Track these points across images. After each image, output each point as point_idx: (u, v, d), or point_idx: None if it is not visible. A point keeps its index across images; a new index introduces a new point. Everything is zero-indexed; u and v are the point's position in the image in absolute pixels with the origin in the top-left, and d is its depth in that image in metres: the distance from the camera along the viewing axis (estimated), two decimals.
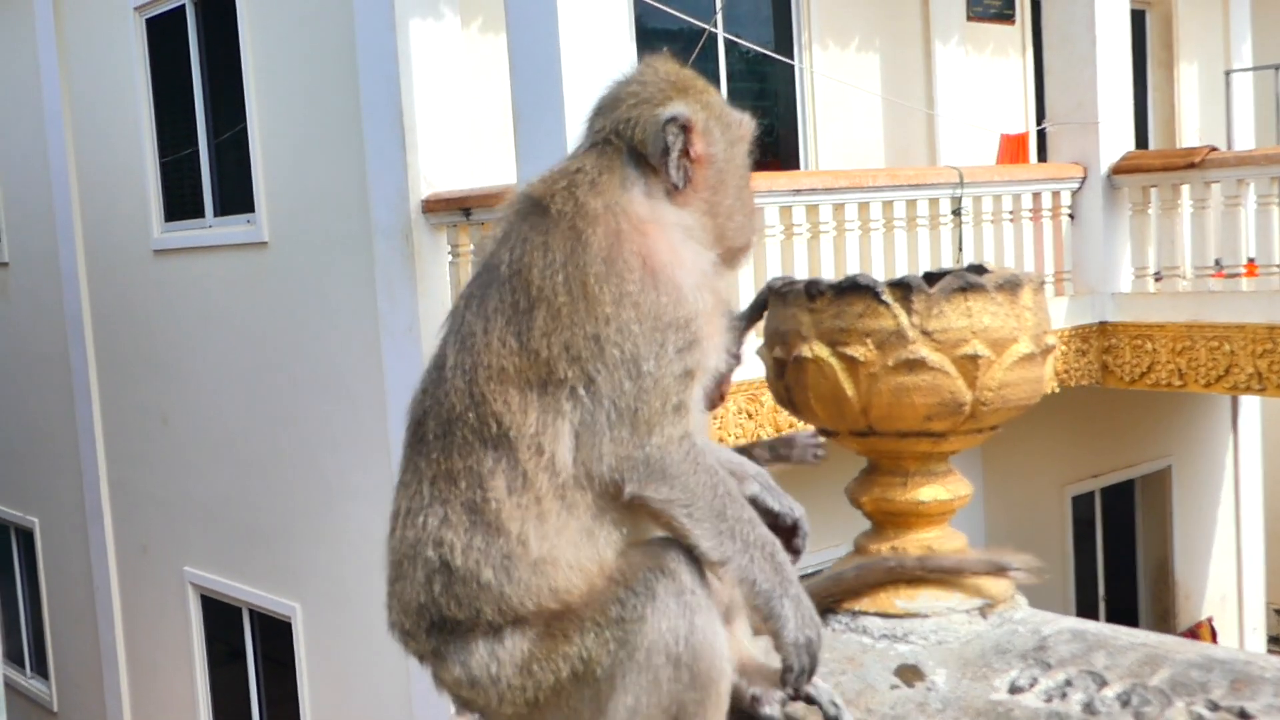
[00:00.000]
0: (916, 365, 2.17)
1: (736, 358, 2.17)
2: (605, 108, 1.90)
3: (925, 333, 2.17)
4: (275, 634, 9.36)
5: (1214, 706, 1.98)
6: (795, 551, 2.07)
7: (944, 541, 2.36)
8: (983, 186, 8.33)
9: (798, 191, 7.26)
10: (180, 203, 9.85)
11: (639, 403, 1.69)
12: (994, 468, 9.93)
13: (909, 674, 2.19)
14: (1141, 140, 11.79)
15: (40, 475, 12.30)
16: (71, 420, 11.35)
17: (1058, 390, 8.52)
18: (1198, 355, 8.28)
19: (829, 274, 7.27)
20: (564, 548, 1.72)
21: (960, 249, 8.18)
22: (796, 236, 7.26)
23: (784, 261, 7.17)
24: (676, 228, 1.81)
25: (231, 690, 10.00)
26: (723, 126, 1.91)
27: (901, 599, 2.30)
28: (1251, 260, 8.36)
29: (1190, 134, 12.47)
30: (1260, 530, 12.44)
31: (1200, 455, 11.93)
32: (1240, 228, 8.22)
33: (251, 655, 9.72)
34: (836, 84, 9.75)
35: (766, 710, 1.97)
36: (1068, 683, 2.11)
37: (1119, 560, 11.60)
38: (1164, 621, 11.53)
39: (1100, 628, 2.27)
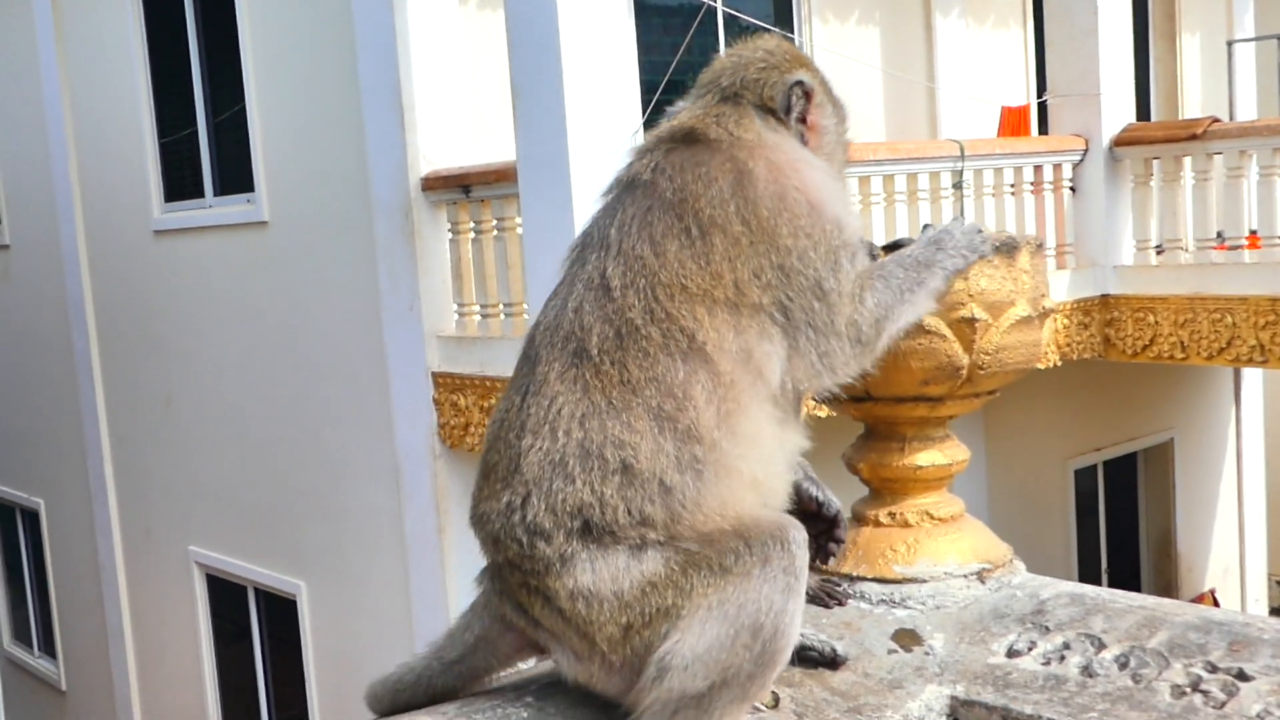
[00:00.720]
0: (913, 329, 2.16)
1: None
2: (729, 70, 2.06)
3: None
4: (280, 612, 9.39)
5: (1212, 668, 1.98)
6: (838, 541, 2.16)
7: (942, 507, 2.36)
8: (984, 159, 8.30)
9: None
10: (180, 183, 9.84)
11: (832, 315, 1.87)
12: (997, 442, 9.94)
13: (906, 638, 2.19)
14: (1143, 112, 11.74)
15: (45, 457, 12.33)
16: (75, 402, 11.37)
17: (1060, 364, 8.51)
18: (1200, 328, 8.27)
19: None
20: (742, 458, 1.80)
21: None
22: None
23: None
24: (816, 163, 2.01)
25: (237, 668, 10.04)
26: (833, 105, 2.13)
27: (899, 564, 2.31)
28: (1254, 232, 8.34)
29: (1192, 105, 12.42)
30: (1262, 502, 12.45)
31: (1202, 428, 11.93)
32: (1242, 199, 8.19)
33: (257, 633, 9.76)
34: (837, 58, 9.71)
35: None
36: (1066, 646, 2.12)
37: (1121, 533, 11.61)
38: (1166, 593, 11.54)
39: (1099, 591, 2.27)
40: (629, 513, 1.76)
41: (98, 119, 10.56)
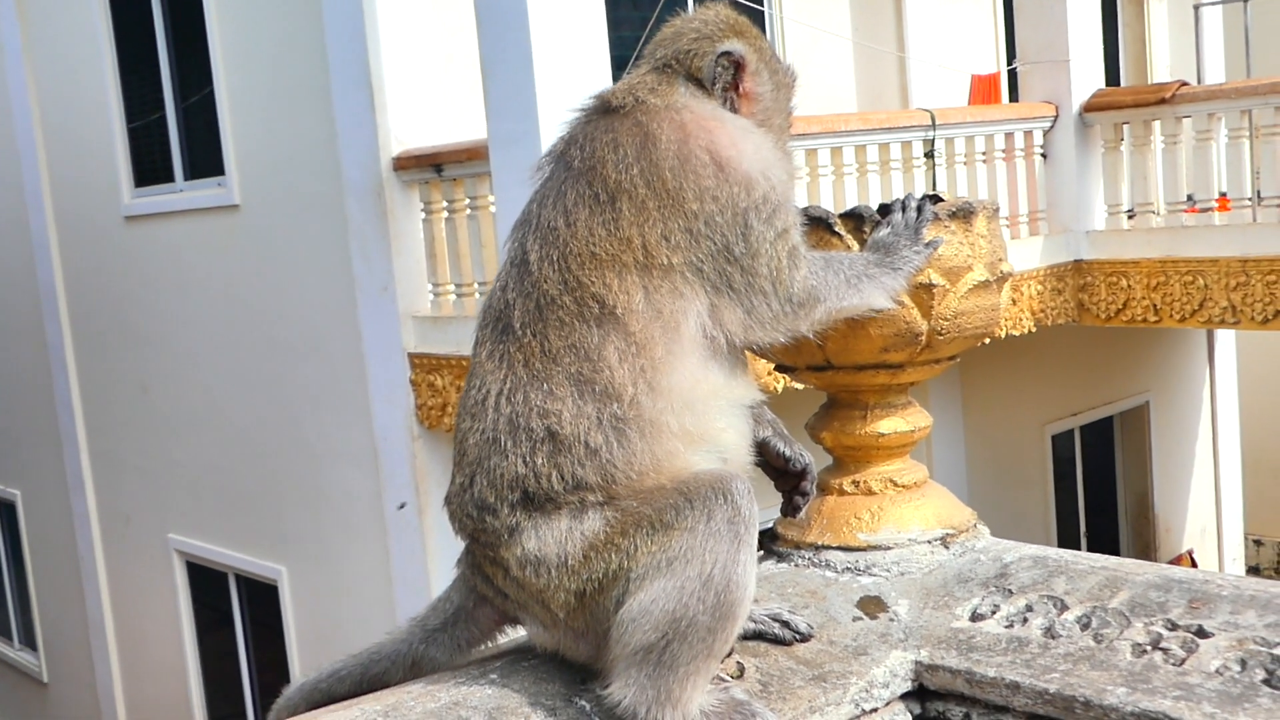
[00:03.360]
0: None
1: None
2: (666, 40, 2.07)
3: None
4: (262, 598, 9.38)
5: (1172, 626, 2.00)
6: (804, 494, 2.16)
7: (905, 474, 2.37)
8: (955, 128, 8.30)
9: None
10: (150, 168, 9.77)
11: (748, 278, 1.87)
12: (974, 409, 9.98)
13: (871, 606, 2.20)
14: (1113, 77, 11.76)
15: (20, 447, 12.26)
16: (49, 391, 11.30)
17: (1035, 329, 8.54)
18: (1172, 290, 8.31)
19: None
20: (669, 412, 1.81)
21: (934, 191, 8.17)
22: None
23: None
24: (734, 120, 1.99)
25: (220, 655, 10.03)
26: (771, 71, 2.10)
27: (864, 532, 2.31)
28: (1223, 194, 8.38)
29: (1161, 69, 12.45)
30: (1238, 462, 12.55)
31: (1178, 390, 12.01)
32: (1211, 162, 8.23)
33: (239, 620, 9.75)
34: (807, 29, 9.69)
35: None
36: (1028, 608, 2.13)
37: (1100, 496, 11.69)
38: (1145, 555, 11.63)
39: (1061, 553, 2.29)
40: (563, 479, 1.80)
41: (65, 105, 10.47)
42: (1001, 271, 2.27)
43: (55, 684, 12.58)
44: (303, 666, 8.99)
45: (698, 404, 1.85)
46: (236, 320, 9.06)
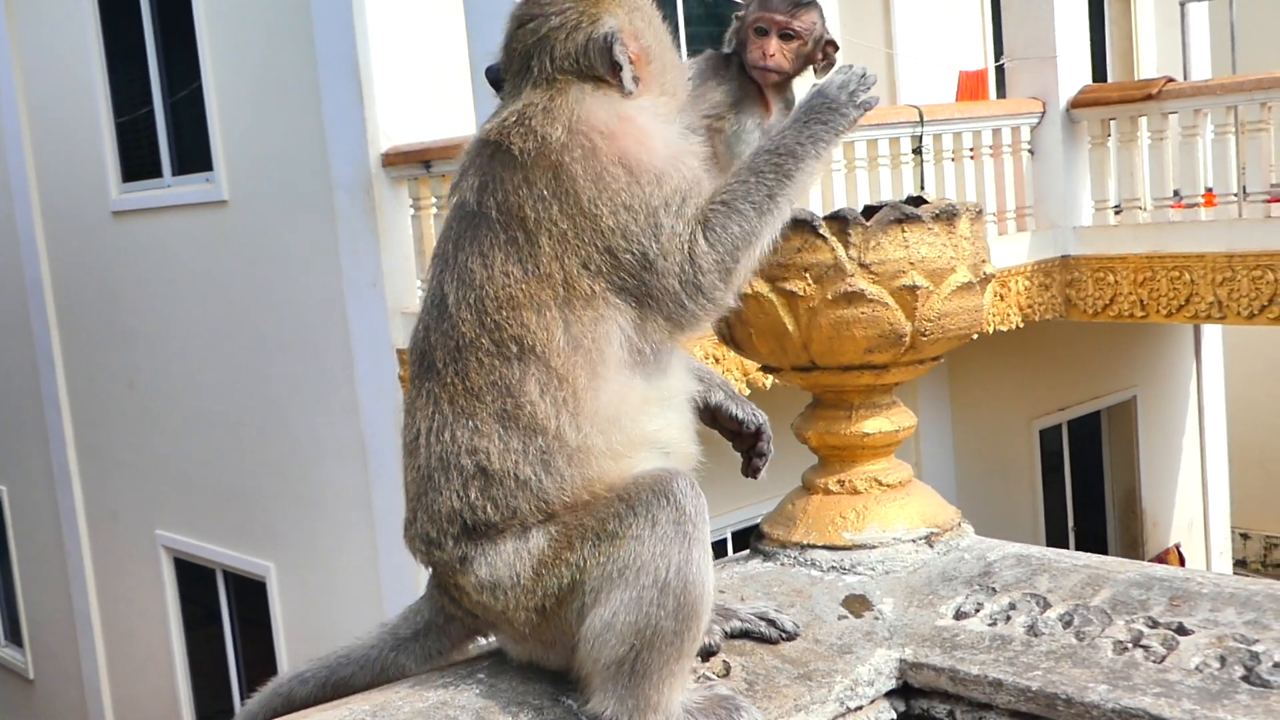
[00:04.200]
0: (855, 298, 2.18)
1: None
2: (534, 49, 1.92)
3: (863, 265, 2.18)
4: (250, 594, 9.37)
5: (1153, 623, 2.02)
6: (761, 455, 2.17)
7: (890, 473, 2.38)
8: (943, 124, 8.32)
9: None
10: (138, 163, 9.74)
11: (664, 280, 1.83)
12: (962, 404, 10.01)
13: (856, 604, 2.22)
14: (1099, 73, 11.79)
15: (7, 443, 12.22)
16: (36, 387, 11.27)
17: (1022, 325, 8.57)
18: (1159, 286, 8.34)
19: None
20: (596, 435, 1.82)
21: (922, 187, 8.19)
22: None
23: None
24: (639, 114, 1.91)
25: (208, 652, 10.02)
26: (642, 16, 1.99)
27: (849, 531, 2.33)
28: (1209, 190, 8.41)
29: (1148, 66, 12.48)
30: (1224, 456, 12.60)
31: (1164, 385, 12.05)
32: (1198, 158, 8.26)
33: (227, 616, 9.74)
34: None
35: (705, 639, 1.99)
36: (1012, 606, 2.15)
37: (1087, 491, 11.73)
38: (1133, 550, 11.68)
39: (1044, 552, 2.31)
40: (498, 509, 1.82)
41: (52, 99, 10.43)
42: (985, 273, 2.29)
43: (42, 681, 12.56)
44: (290, 662, 8.98)
45: (625, 419, 1.85)
46: (225, 316, 9.04)
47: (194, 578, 9.99)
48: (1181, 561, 11.76)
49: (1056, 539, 11.03)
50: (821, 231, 2.18)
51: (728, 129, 2.30)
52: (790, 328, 2.22)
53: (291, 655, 8.95)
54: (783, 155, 1.90)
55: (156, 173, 9.53)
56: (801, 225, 2.19)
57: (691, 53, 2.48)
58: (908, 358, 2.27)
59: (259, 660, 9.42)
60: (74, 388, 10.92)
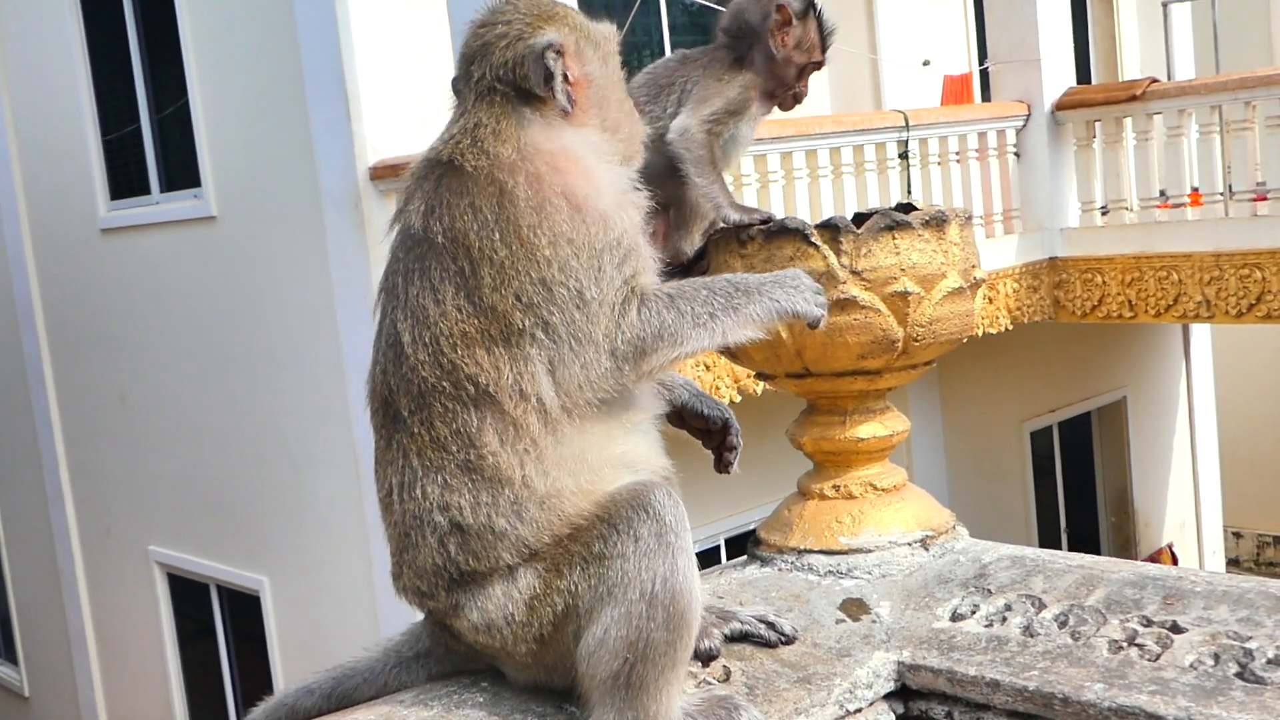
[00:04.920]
0: (848, 305, 2.20)
1: None
2: (477, 55, 1.92)
3: (855, 272, 2.20)
4: (244, 608, 9.36)
5: (1147, 622, 2.04)
6: (730, 449, 2.18)
7: (884, 478, 2.41)
8: (928, 129, 8.36)
9: None
10: (126, 180, 9.74)
11: (592, 326, 1.79)
12: (953, 407, 10.04)
13: (854, 608, 2.24)
14: (1083, 75, 11.84)
15: None
16: (27, 404, 11.25)
17: (1011, 327, 8.60)
18: (1147, 286, 8.39)
19: None
20: (564, 477, 1.82)
21: (909, 192, 8.23)
22: (745, 187, 7.27)
23: None
24: (587, 152, 1.89)
25: (203, 667, 10.00)
26: (592, 45, 1.96)
27: (845, 536, 2.35)
28: (1195, 189, 8.45)
29: (1131, 67, 12.54)
30: (1215, 455, 12.65)
31: (1154, 385, 12.10)
32: (1183, 158, 8.31)
33: (221, 631, 9.72)
34: None
35: (705, 644, 2.03)
36: (1007, 607, 2.17)
37: (1079, 492, 11.77)
38: (1126, 550, 11.72)
39: (1039, 553, 2.33)
40: (480, 560, 1.83)
41: (39, 117, 10.42)
42: (975, 278, 2.31)
43: (37, 698, 12.52)
44: (286, 676, 8.97)
45: (590, 455, 1.84)
46: (215, 331, 9.04)
47: (188, 592, 9.97)
48: (1174, 561, 11.80)
49: (1049, 540, 11.06)
50: (813, 240, 2.20)
51: (725, 134, 2.33)
52: (784, 335, 2.24)
53: (287, 668, 8.93)
54: (741, 292, 1.90)
55: (145, 189, 9.53)
56: (793, 234, 2.21)
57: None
58: (900, 363, 2.30)
59: (254, 674, 9.40)
60: (65, 404, 10.90)
